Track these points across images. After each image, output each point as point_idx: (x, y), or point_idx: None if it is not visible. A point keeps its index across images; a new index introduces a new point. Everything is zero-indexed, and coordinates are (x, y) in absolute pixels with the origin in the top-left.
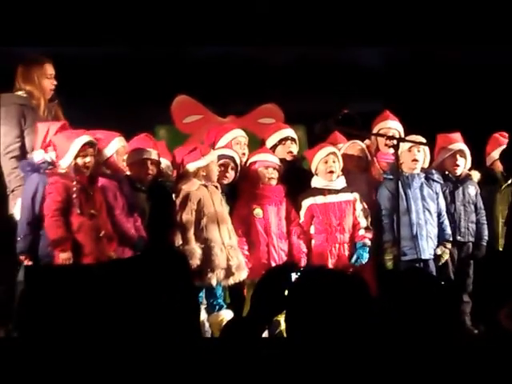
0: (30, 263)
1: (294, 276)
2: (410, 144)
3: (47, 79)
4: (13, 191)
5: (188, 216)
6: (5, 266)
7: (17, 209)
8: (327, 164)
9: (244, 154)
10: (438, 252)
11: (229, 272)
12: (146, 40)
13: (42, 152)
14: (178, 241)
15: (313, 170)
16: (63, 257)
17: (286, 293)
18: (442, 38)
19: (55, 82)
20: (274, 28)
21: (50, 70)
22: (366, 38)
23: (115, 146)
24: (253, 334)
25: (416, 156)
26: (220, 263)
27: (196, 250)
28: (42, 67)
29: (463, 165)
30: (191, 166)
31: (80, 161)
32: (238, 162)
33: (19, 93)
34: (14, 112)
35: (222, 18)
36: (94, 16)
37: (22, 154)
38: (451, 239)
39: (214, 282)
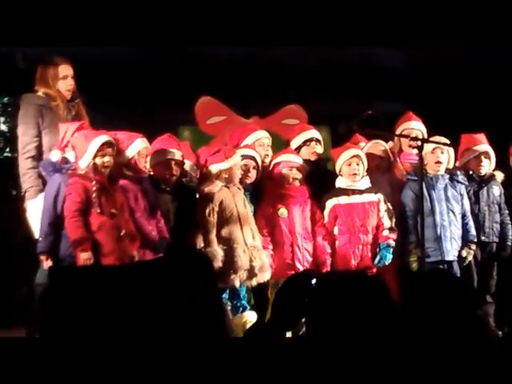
0: (50, 263)
1: (313, 283)
2: (434, 145)
3: (62, 80)
4: (26, 192)
5: (210, 218)
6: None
7: (29, 209)
8: (351, 166)
9: (267, 154)
10: (463, 254)
11: (252, 273)
12: (170, 39)
13: (58, 152)
14: (200, 243)
15: (337, 171)
16: (84, 257)
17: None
18: (464, 38)
19: (71, 83)
20: (295, 28)
21: (64, 71)
22: (388, 39)
23: (137, 147)
24: (274, 340)
25: (439, 158)
26: (243, 264)
27: (218, 251)
28: (55, 69)
29: (488, 166)
30: (214, 168)
31: (99, 161)
32: (259, 161)
33: (39, 93)
34: (32, 112)
35: (241, 18)
36: (115, 16)
37: (39, 154)
38: (476, 240)
39: (237, 284)
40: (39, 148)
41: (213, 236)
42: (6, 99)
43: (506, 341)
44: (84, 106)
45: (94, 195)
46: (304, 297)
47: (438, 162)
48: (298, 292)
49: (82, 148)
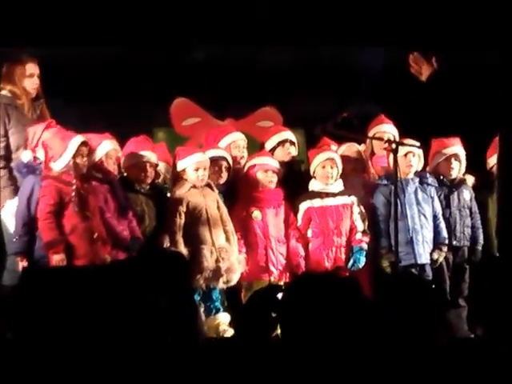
0: (25, 264)
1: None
2: (406, 149)
3: (28, 79)
4: None
5: (177, 219)
6: None
7: (3, 211)
8: (325, 169)
9: (243, 156)
10: (435, 256)
11: (218, 274)
12: (144, 40)
13: (29, 153)
14: (166, 243)
15: (311, 173)
16: (56, 259)
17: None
18: (438, 40)
19: (37, 82)
20: (273, 28)
21: (31, 69)
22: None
23: (105, 149)
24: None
25: (411, 161)
26: (208, 265)
27: (182, 252)
28: (23, 67)
29: (457, 168)
30: (179, 166)
31: (79, 160)
32: (230, 162)
33: (3, 92)
34: None
35: (221, 17)
36: (92, 16)
37: (7, 153)
38: (447, 242)
39: (201, 284)
40: (7, 147)
41: (178, 237)
42: None
43: (479, 343)
44: (48, 106)
45: (68, 198)
46: (271, 311)
47: (410, 166)
48: (263, 307)
49: (59, 148)
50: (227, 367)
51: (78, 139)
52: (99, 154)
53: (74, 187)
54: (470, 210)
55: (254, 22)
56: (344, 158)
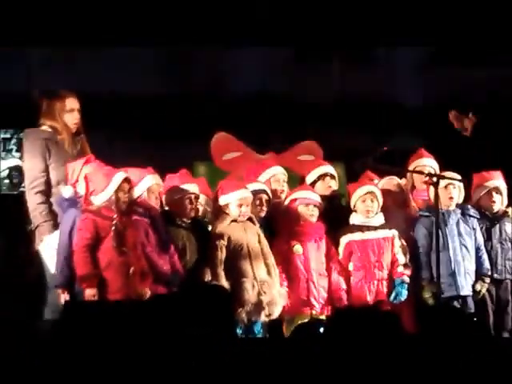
0: (67, 298)
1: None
2: (446, 181)
3: (68, 113)
4: (37, 227)
5: (218, 252)
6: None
7: (43, 245)
8: (365, 203)
9: (283, 190)
10: (478, 287)
11: (260, 307)
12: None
13: (70, 188)
14: (208, 277)
15: (351, 207)
16: (89, 293)
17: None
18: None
19: (78, 116)
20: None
21: (71, 104)
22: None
23: (147, 184)
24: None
25: (452, 193)
26: (250, 298)
27: (224, 285)
28: (63, 102)
29: (499, 202)
30: (222, 200)
31: (121, 195)
32: (270, 195)
33: (43, 127)
34: (38, 146)
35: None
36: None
37: (48, 188)
38: (489, 274)
39: (243, 317)
40: (47, 182)
41: (220, 271)
42: (21, 135)
43: None
44: (87, 141)
45: (105, 233)
46: (313, 345)
47: (451, 198)
48: (307, 341)
49: (101, 182)
50: None
51: (120, 175)
52: (141, 188)
53: (115, 222)
54: None
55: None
56: (384, 192)
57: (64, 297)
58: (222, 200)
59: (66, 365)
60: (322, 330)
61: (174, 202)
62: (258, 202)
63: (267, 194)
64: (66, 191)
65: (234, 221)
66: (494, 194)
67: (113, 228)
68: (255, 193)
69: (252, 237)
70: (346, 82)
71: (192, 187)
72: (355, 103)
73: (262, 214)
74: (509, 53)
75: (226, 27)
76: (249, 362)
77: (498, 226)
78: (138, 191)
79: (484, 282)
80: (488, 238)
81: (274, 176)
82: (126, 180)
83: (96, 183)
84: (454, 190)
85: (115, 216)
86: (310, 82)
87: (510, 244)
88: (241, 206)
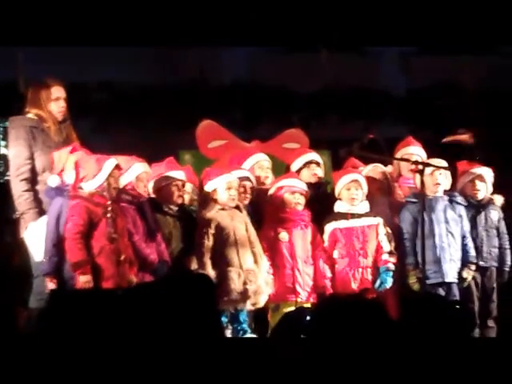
0: (54, 286)
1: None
2: (432, 168)
3: (53, 102)
4: (22, 214)
5: (205, 241)
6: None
7: (28, 233)
8: (350, 191)
9: (267, 177)
10: (464, 275)
11: (245, 296)
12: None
13: (57, 177)
14: (194, 265)
15: (336, 195)
16: (83, 280)
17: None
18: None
19: (63, 105)
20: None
21: (57, 93)
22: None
23: (136, 172)
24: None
25: (438, 179)
26: (236, 287)
27: (210, 274)
28: (48, 91)
29: (484, 189)
30: (210, 186)
31: (112, 182)
32: (254, 182)
33: (29, 115)
34: (23, 134)
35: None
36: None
37: (33, 176)
38: (475, 261)
39: (229, 306)
40: (33, 170)
41: (206, 259)
42: (7, 123)
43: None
44: (73, 128)
45: (97, 219)
46: (299, 334)
47: (437, 184)
48: (293, 330)
49: (93, 169)
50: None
51: (112, 161)
52: (130, 176)
53: (110, 208)
54: (498, 230)
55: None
56: (369, 179)
57: (51, 285)
58: (210, 186)
59: (52, 353)
60: (308, 318)
61: (161, 188)
62: (241, 190)
63: (251, 181)
64: (53, 180)
65: (222, 209)
66: (477, 181)
67: (108, 215)
68: (239, 180)
69: (239, 225)
70: (333, 71)
71: (179, 174)
72: (342, 91)
73: (246, 202)
74: (497, 41)
75: (215, 26)
76: (236, 351)
77: (483, 213)
78: (127, 179)
79: (470, 269)
80: (473, 225)
81: (257, 163)
82: (117, 167)
83: (87, 170)
84: (440, 177)
85: (109, 203)
86: (296, 71)
87: (495, 231)
88: (229, 189)
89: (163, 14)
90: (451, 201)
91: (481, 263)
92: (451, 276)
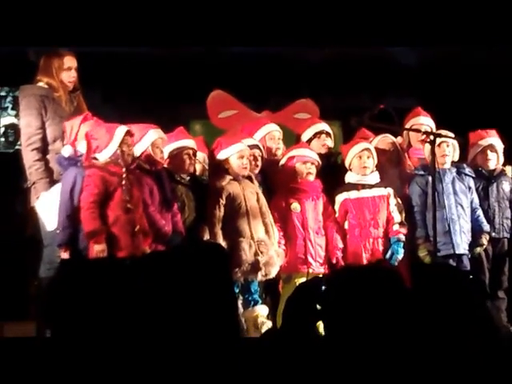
0: (67, 256)
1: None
2: (440, 139)
3: (65, 72)
4: (34, 184)
5: (216, 211)
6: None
7: (39, 202)
8: (361, 160)
9: (278, 148)
10: (475, 245)
11: (256, 267)
12: (180, 35)
13: (70, 147)
14: (206, 236)
15: (347, 166)
16: (98, 249)
17: (318, 307)
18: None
19: (75, 75)
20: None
21: (69, 62)
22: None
23: (151, 138)
24: (287, 346)
25: (445, 151)
26: (247, 258)
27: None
28: (60, 60)
29: (495, 159)
30: (222, 155)
31: (125, 149)
32: (263, 151)
33: (39, 84)
34: (34, 103)
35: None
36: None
37: (44, 145)
38: (487, 231)
39: (240, 276)
40: (44, 139)
41: (218, 229)
42: (17, 92)
43: None
44: (84, 98)
45: (112, 188)
46: (314, 304)
47: (444, 155)
48: (308, 300)
49: (104, 138)
50: (268, 360)
51: (123, 128)
52: (146, 143)
53: (124, 175)
54: (510, 201)
55: (292, 20)
56: (378, 150)
57: (66, 255)
58: (223, 154)
59: (61, 324)
60: (323, 288)
61: (172, 157)
62: (251, 158)
63: (260, 150)
64: (66, 150)
65: (233, 179)
66: (488, 152)
67: (123, 182)
68: (250, 147)
69: (251, 195)
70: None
71: (189, 142)
72: (352, 61)
73: (256, 171)
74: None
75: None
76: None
77: (495, 184)
78: (142, 146)
79: (482, 239)
80: (485, 196)
81: (269, 133)
82: (129, 133)
83: (99, 140)
84: (447, 148)
85: (124, 170)
86: (306, 41)
87: (507, 202)
88: (241, 157)
89: None
90: (459, 172)
91: (493, 234)
92: (461, 248)
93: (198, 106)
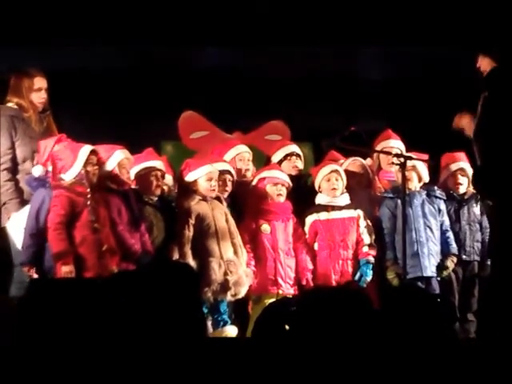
0: (35, 275)
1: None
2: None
3: (35, 92)
4: (4, 204)
5: (185, 231)
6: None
7: (10, 222)
8: (330, 182)
9: (248, 169)
10: (444, 267)
11: (226, 287)
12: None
13: (41, 168)
14: (175, 255)
15: (316, 187)
16: (65, 270)
17: (287, 327)
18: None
19: (44, 95)
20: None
21: (39, 83)
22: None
23: (117, 159)
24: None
25: (412, 174)
26: (217, 278)
27: (191, 264)
28: (30, 80)
29: (465, 183)
30: (190, 177)
31: (90, 169)
32: (234, 175)
33: (9, 104)
34: (4, 123)
35: (223, 20)
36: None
37: (14, 166)
38: (456, 253)
39: (209, 296)
40: (14, 159)
41: (187, 249)
42: None
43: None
44: (53, 118)
45: (79, 209)
46: (283, 324)
47: (411, 179)
48: (276, 320)
49: (69, 158)
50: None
51: (87, 148)
52: (112, 164)
53: (89, 195)
54: (481, 224)
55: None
56: (348, 173)
57: (31, 274)
58: (191, 176)
59: (31, 342)
60: (292, 309)
61: (139, 177)
62: (221, 182)
63: (231, 175)
64: (37, 170)
65: (202, 199)
66: (459, 176)
67: (88, 203)
68: (219, 173)
69: (219, 216)
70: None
71: (157, 164)
72: (323, 82)
73: (226, 195)
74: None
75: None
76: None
77: (466, 207)
78: (109, 167)
79: (450, 261)
80: (457, 219)
81: (238, 154)
82: (93, 152)
83: (63, 160)
84: (407, 172)
85: (88, 190)
86: (278, 61)
87: (478, 226)
88: (210, 180)
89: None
90: (429, 195)
91: (464, 257)
92: (429, 270)
93: (170, 126)
